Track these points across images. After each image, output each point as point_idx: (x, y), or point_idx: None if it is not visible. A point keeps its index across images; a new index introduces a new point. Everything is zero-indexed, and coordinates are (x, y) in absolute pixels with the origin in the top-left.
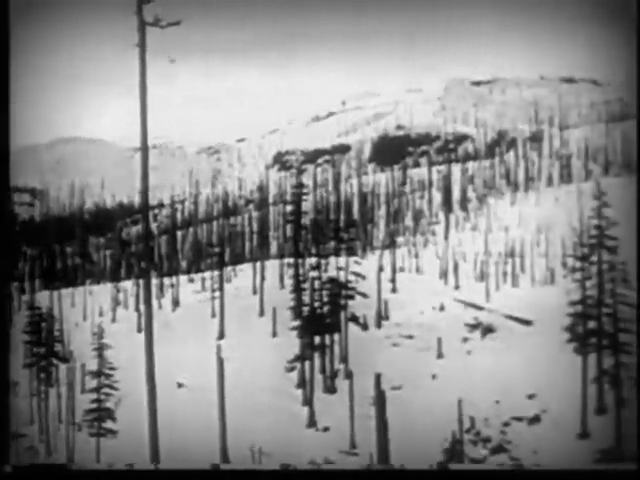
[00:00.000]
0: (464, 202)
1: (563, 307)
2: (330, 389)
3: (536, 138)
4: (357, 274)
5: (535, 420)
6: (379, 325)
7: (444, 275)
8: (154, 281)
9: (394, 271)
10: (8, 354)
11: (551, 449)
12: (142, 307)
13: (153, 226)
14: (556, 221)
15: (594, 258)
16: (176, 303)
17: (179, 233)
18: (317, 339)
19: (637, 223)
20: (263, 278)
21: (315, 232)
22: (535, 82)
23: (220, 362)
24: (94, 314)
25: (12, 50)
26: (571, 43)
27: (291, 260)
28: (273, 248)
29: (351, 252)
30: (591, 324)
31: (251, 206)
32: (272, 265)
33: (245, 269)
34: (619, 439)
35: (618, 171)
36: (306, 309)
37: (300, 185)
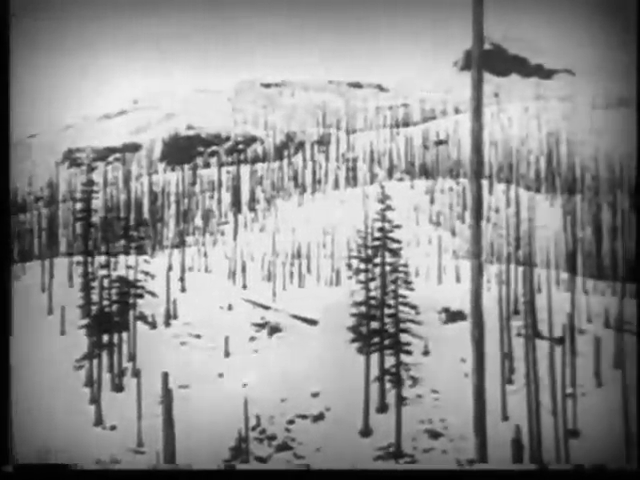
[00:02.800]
0: (253, 203)
1: (347, 307)
2: (118, 388)
3: (323, 141)
4: (146, 273)
5: (319, 418)
6: (167, 324)
7: (232, 275)
8: None
9: (183, 270)
10: (8, 352)
11: (334, 446)
12: None
13: None
14: (342, 223)
15: (378, 260)
16: None
17: None
18: (105, 337)
19: (637, 224)
20: (52, 276)
21: (105, 230)
22: (323, 86)
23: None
24: None
25: None
26: (357, 48)
27: (80, 258)
28: (62, 246)
29: (141, 251)
30: (374, 324)
31: (40, 203)
32: (61, 263)
33: (34, 267)
34: (399, 437)
35: (401, 175)
36: (95, 307)
37: (90, 183)
